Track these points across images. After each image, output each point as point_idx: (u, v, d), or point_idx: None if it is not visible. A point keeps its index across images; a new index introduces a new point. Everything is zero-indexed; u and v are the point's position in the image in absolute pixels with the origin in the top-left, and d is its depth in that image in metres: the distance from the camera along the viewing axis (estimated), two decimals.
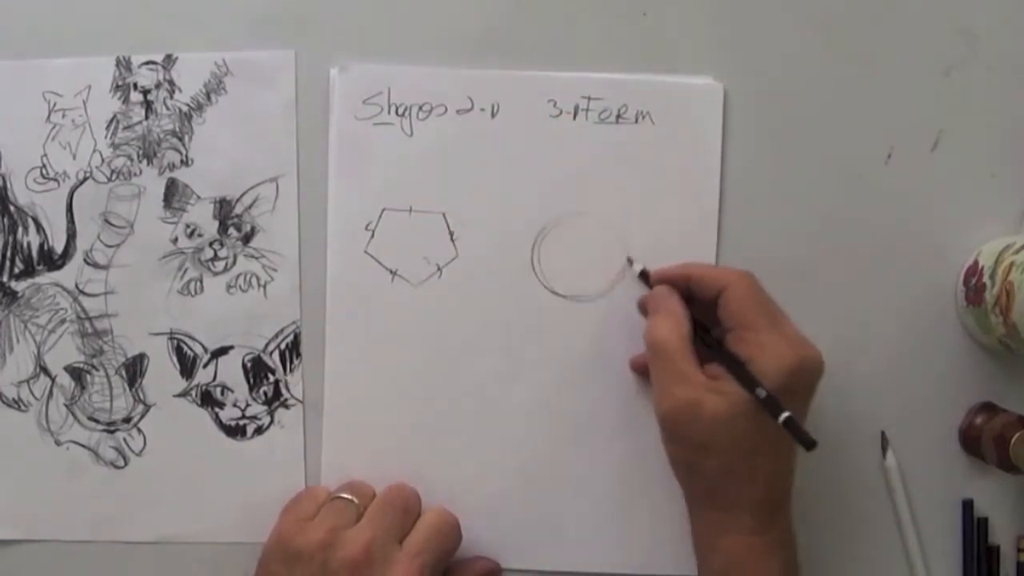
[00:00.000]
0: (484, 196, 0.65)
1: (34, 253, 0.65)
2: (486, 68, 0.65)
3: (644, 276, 0.64)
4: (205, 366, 0.65)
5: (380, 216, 0.65)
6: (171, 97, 0.65)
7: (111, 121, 0.65)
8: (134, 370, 0.65)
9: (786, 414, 0.55)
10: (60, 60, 0.65)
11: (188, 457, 0.65)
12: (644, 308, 0.63)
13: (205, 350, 0.65)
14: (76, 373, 0.65)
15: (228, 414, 0.65)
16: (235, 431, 0.65)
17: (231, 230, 0.65)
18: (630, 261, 0.64)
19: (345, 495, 0.62)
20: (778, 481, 0.59)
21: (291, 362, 0.65)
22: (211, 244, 0.65)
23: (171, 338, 0.65)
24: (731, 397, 0.57)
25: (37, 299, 0.65)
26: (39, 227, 0.65)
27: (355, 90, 0.65)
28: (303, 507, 0.62)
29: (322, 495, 0.63)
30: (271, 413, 0.66)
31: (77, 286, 0.65)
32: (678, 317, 0.60)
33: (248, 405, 0.65)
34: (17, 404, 0.65)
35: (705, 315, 0.61)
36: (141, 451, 0.65)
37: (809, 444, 0.55)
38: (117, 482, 0.65)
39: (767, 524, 0.58)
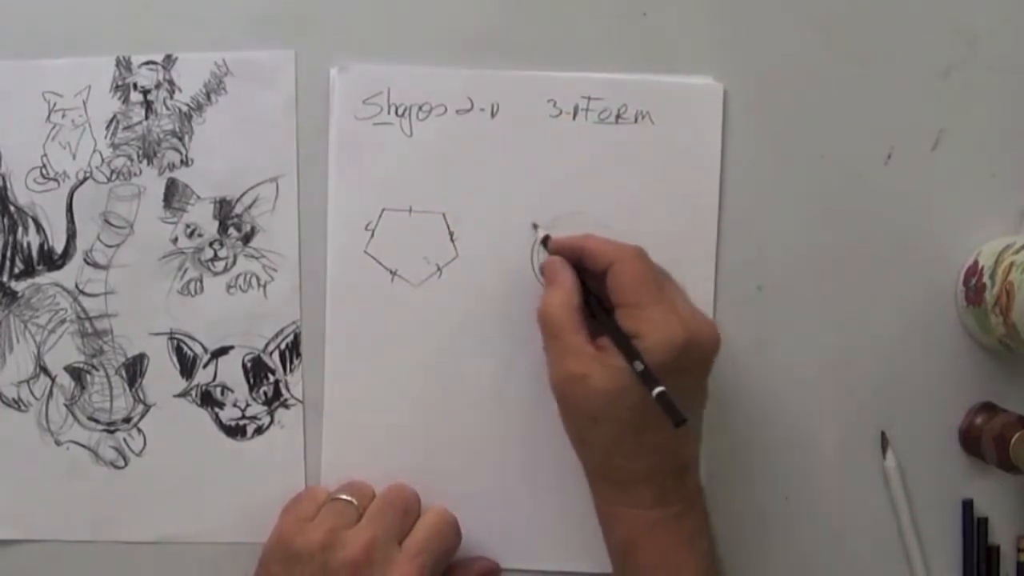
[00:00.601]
0: (484, 196, 0.65)
1: (34, 253, 0.65)
2: (486, 68, 0.65)
3: (545, 242, 0.64)
4: (205, 366, 0.65)
5: (380, 216, 0.65)
6: (171, 97, 0.65)
7: (111, 121, 0.65)
8: (134, 370, 0.65)
9: (659, 389, 0.55)
10: (60, 60, 0.65)
11: (188, 457, 0.65)
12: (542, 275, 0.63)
13: (205, 350, 0.65)
14: (76, 373, 0.65)
15: (228, 414, 0.65)
16: (235, 431, 0.65)
17: (231, 230, 0.65)
18: (535, 226, 0.64)
19: (345, 496, 0.62)
20: (672, 455, 0.59)
21: (291, 362, 0.65)
22: (211, 244, 0.65)
23: (171, 338, 0.65)
24: (616, 370, 0.57)
25: (37, 299, 0.65)
26: (39, 227, 0.65)
27: (355, 90, 0.65)
28: (303, 507, 0.62)
29: (322, 495, 0.63)
30: (271, 413, 0.66)
31: (77, 286, 0.65)
32: (568, 289, 0.60)
33: (248, 405, 0.65)
34: (17, 404, 0.65)
35: (600, 287, 0.61)
36: (141, 451, 0.65)
37: (679, 420, 0.55)
38: (117, 482, 0.65)
39: (665, 497, 0.58)
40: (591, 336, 0.59)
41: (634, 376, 0.56)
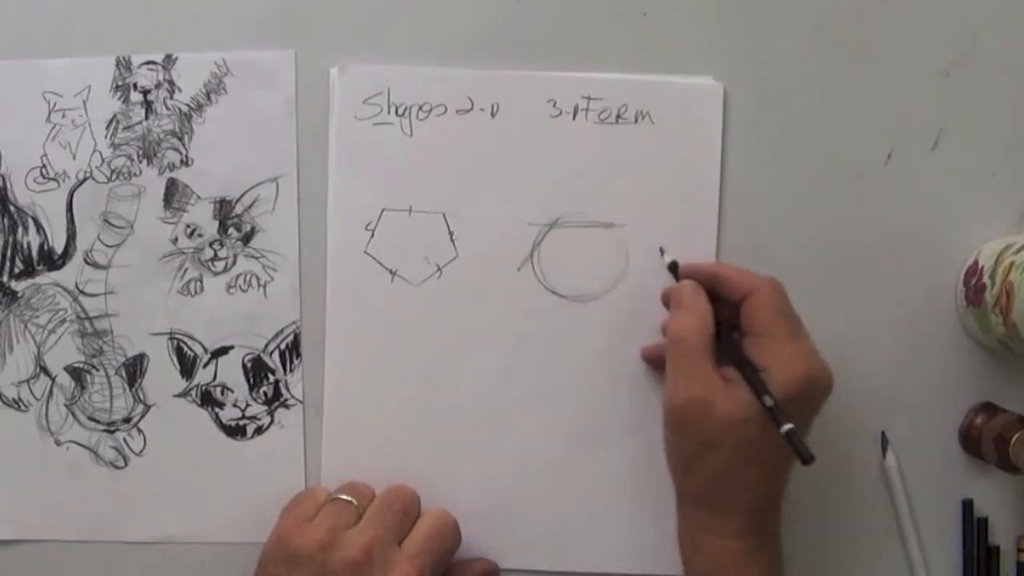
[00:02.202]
0: (484, 196, 0.65)
1: (34, 253, 0.65)
2: (486, 68, 0.65)
3: (673, 268, 0.63)
4: (205, 366, 0.65)
5: (380, 216, 0.65)
6: (171, 97, 0.65)
7: (111, 121, 0.65)
8: (134, 370, 0.65)
9: (788, 426, 0.56)
10: (60, 60, 0.65)
11: (188, 457, 0.65)
12: (667, 300, 0.63)
13: (205, 350, 0.65)
14: (76, 373, 0.65)
15: (228, 414, 0.65)
16: (235, 431, 0.65)
17: (231, 230, 0.65)
18: (662, 251, 0.64)
19: (345, 496, 0.62)
20: (772, 489, 0.59)
21: (291, 362, 0.65)
22: (211, 244, 0.65)
23: (171, 338, 0.65)
24: (741, 402, 0.57)
25: (37, 299, 0.65)
26: (39, 227, 0.65)
27: (355, 90, 0.65)
28: (303, 507, 0.62)
29: (322, 496, 0.63)
30: (271, 413, 0.66)
31: (77, 286, 0.65)
32: (703, 316, 0.60)
33: (248, 405, 0.65)
34: (17, 404, 0.65)
35: (727, 317, 0.61)
36: (141, 451, 0.65)
37: (807, 459, 0.56)
38: (117, 482, 0.65)
39: (754, 530, 0.59)
40: (715, 366, 0.59)
41: (757, 409, 0.57)
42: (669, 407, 0.59)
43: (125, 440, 0.65)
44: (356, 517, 0.61)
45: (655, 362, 0.64)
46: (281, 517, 0.62)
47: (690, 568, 0.61)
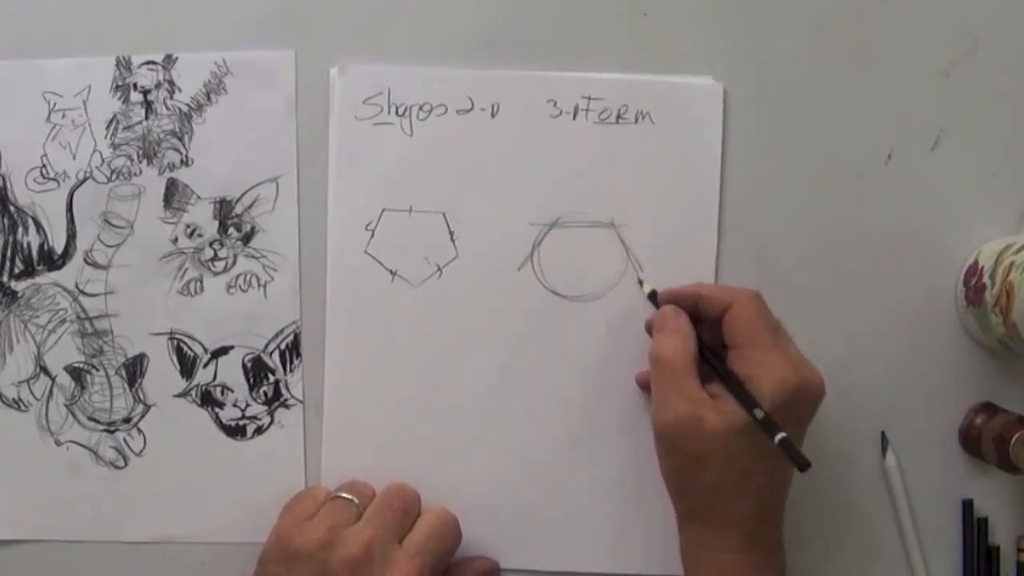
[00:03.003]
0: (484, 196, 0.65)
1: (34, 253, 0.65)
2: (486, 68, 0.65)
3: (652, 297, 0.64)
4: (205, 366, 0.65)
5: (380, 216, 0.65)
6: (171, 97, 0.65)
7: (111, 121, 0.65)
8: (134, 370, 0.65)
9: (782, 435, 0.56)
10: (60, 60, 0.65)
11: (188, 457, 0.65)
12: (651, 328, 0.63)
13: (205, 350, 0.65)
14: (76, 373, 0.65)
15: (228, 414, 0.65)
16: (235, 431, 0.65)
17: (231, 230, 0.65)
18: (640, 282, 0.64)
19: (345, 495, 0.62)
20: (770, 500, 0.59)
21: (291, 362, 0.65)
22: (211, 244, 0.65)
23: (171, 338, 0.65)
24: (730, 415, 0.57)
25: (37, 299, 0.65)
26: (39, 227, 0.65)
27: (355, 90, 0.65)
28: (303, 507, 0.62)
29: (322, 495, 0.63)
30: (271, 413, 0.66)
31: (77, 286, 0.65)
32: (684, 336, 0.60)
33: (248, 405, 0.65)
34: (17, 404, 0.65)
35: (710, 336, 0.61)
36: (141, 451, 0.65)
37: (803, 465, 0.55)
38: (117, 482, 0.65)
39: (756, 542, 0.59)
40: (702, 383, 0.59)
41: (747, 421, 0.57)
42: (658, 427, 0.59)
43: (125, 440, 0.65)
44: (356, 516, 0.61)
45: (647, 387, 0.64)
46: (281, 516, 0.62)
47: None
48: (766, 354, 0.58)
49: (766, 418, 0.56)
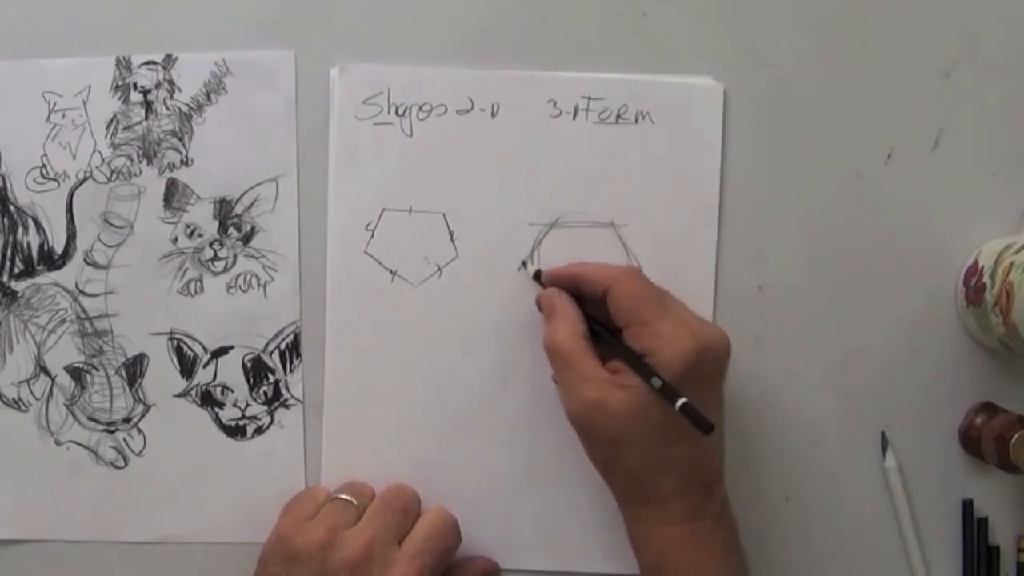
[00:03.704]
0: (484, 196, 0.65)
1: (34, 253, 0.65)
2: (486, 68, 0.65)
3: (538, 277, 0.64)
4: (205, 366, 0.65)
5: (380, 216, 0.65)
6: (171, 97, 0.65)
7: (111, 121, 0.65)
8: (134, 370, 0.65)
9: (682, 400, 0.55)
10: (60, 60, 0.65)
11: (188, 457, 0.65)
12: (540, 308, 0.63)
13: (205, 350, 0.65)
14: (76, 373, 0.65)
15: (228, 414, 0.65)
16: (235, 431, 0.66)
17: (231, 230, 0.65)
18: (524, 264, 0.64)
19: (345, 495, 0.62)
20: (700, 466, 0.59)
21: (291, 362, 0.65)
22: (211, 244, 0.65)
23: (171, 338, 0.65)
24: (634, 390, 0.57)
25: (37, 299, 0.65)
26: (39, 227, 0.65)
27: (355, 90, 0.65)
28: (303, 507, 0.62)
29: (322, 495, 0.63)
30: (271, 413, 0.66)
31: (77, 286, 0.65)
32: (571, 318, 0.60)
33: (248, 405, 0.65)
34: (17, 404, 0.65)
35: (600, 311, 0.61)
36: (141, 451, 0.65)
37: (706, 428, 0.55)
38: (117, 482, 0.65)
39: (696, 511, 0.58)
40: (602, 361, 0.59)
41: (652, 393, 0.56)
42: (570, 416, 0.59)
43: (125, 440, 0.65)
44: (356, 516, 0.61)
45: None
46: (281, 516, 0.62)
47: (642, 565, 0.60)
48: (658, 326, 0.58)
49: (664, 386, 0.56)
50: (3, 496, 0.65)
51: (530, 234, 0.65)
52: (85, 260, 0.65)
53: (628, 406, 0.57)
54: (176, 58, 0.65)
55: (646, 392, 0.57)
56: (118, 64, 0.65)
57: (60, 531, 0.65)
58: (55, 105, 0.65)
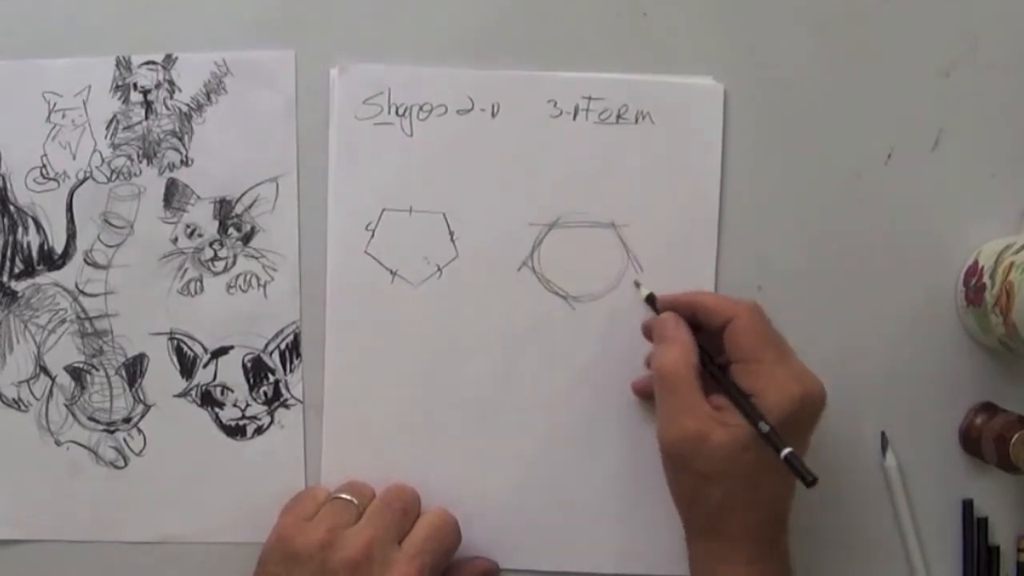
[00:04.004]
0: (484, 196, 0.65)
1: (34, 253, 0.65)
2: (486, 68, 0.65)
3: (651, 300, 0.64)
4: (205, 366, 0.65)
5: (380, 216, 0.65)
6: (171, 97, 0.65)
7: (111, 121, 0.65)
8: (134, 370, 0.65)
9: (788, 450, 0.55)
10: (60, 60, 0.65)
11: (188, 457, 0.65)
12: (648, 332, 0.63)
13: (205, 350, 0.65)
14: (76, 373, 0.65)
15: (228, 414, 0.65)
16: (235, 431, 0.65)
17: (231, 230, 0.65)
18: (637, 284, 0.64)
19: (345, 495, 0.62)
20: (776, 512, 0.59)
21: (291, 362, 0.65)
22: (211, 244, 0.65)
23: (171, 338, 0.65)
24: (736, 430, 0.57)
25: (37, 299, 0.65)
26: (39, 227, 0.65)
27: (355, 90, 0.65)
28: (303, 507, 0.62)
29: (322, 495, 0.63)
30: (271, 413, 0.66)
31: (77, 286, 0.65)
32: (686, 347, 0.60)
33: (248, 405, 0.65)
34: (17, 404, 0.65)
35: (710, 344, 0.61)
36: (141, 451, 0.65)
37: (810, 481, 0.55)
38: (117, 482, 0.65)
39: (764, 555, 0.58)
40: (704, 394, 0.59)
41: (752, 434, 0.56)
42: (665, 444, 0.59)
43: (125, 440, 0.65)
44: (356, 516, 0.61)
45: (644, 394, 0.64)
46: (281, 516, 0.62)
47: None
48: (771, 368, 0.58)
49: (771, 432, 0.56)
50: (3, 496, 0.65)
51: (530, 234, 0.65)
52: (85, 260, 0.65)
53: (728, 445, 0.56)
54: (176, 58, 0.65)
55: (748, 433, 0.56)
56: (118, 64, 0.65)
57: (60, 531, 0.65)
58: (55, 105, 0.65)
